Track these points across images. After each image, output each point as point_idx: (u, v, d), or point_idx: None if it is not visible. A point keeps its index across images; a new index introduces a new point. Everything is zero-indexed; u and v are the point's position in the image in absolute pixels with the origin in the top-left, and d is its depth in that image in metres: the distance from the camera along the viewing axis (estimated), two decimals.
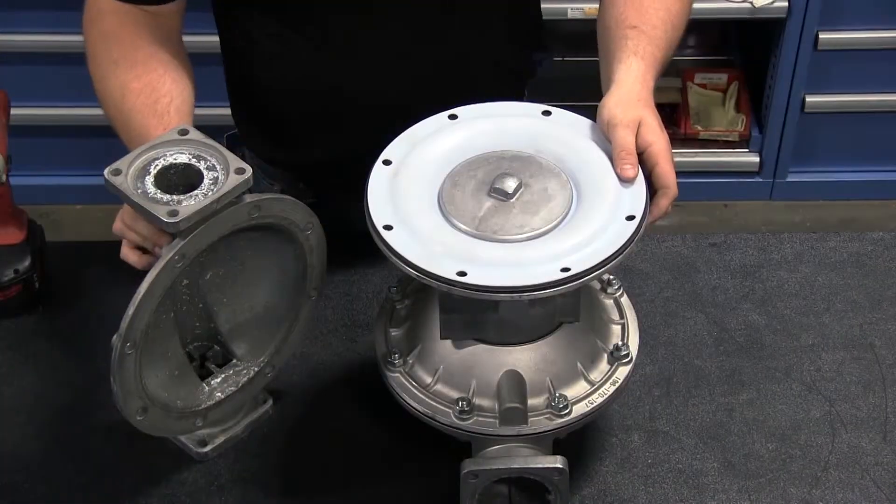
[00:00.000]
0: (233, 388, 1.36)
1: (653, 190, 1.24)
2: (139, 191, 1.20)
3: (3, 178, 1.51)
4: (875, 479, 1.37)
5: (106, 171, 1.21)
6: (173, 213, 1.17)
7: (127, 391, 1.23)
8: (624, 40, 1.33)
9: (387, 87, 1.51)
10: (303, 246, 1.31)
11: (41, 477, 1.39)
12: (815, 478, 1.38)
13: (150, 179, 1.21)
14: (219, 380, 1.35)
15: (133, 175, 1.21)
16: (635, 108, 1.26)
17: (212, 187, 1.20)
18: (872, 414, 1.44)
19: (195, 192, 1.20)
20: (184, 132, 1.24)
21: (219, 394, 1.35)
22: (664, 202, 1.25)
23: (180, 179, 1.22)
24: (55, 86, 2.54)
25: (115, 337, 1.20)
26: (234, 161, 1.21)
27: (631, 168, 1.23)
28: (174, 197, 1.19)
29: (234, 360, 1.37)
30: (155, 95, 1.36)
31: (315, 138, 1.61)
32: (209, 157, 1.22)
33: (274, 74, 1.55)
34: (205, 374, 1.36)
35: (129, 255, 1.34)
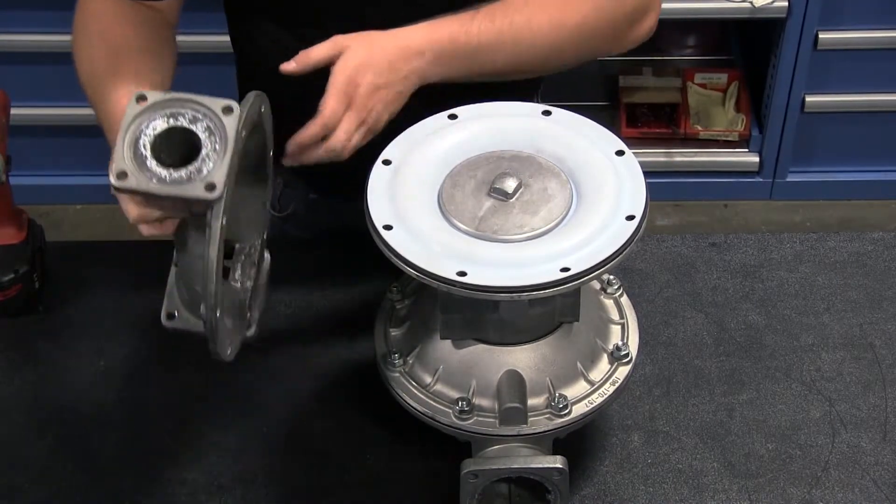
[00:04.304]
0: (254, 268, 1.27)
1: None
2: (154, 180, 1.10)
3: (3, 178, 1.51)
4: (875, 479, 1.37)
5: (113, 180, 1.12)
6: (211, 187, 1.09)
7: (222, 341, 1.17)
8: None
9: None
10: (263, 127, 1.23)
11: (41, 477, 1.39)
12: (815, 478, 1.38)
13: (153, 164, 1.11)
14: (238, 271, 1.27)
15: (134, 168, 1.11)
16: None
17: (213, 139, 1.11)
18: (872, 414, 1.44)
19: (203, 151, 1.11)
20: (141, 98, 1.12)
21: (248, 282, 1.27)
22: None
23: (175, 145, 1.13)
24: (55, 86, 2.54)
25: (203, 311, 1.14)
26: (214, 102, 1.12)
27: None
28: (190, 168, 1.10)
29: (236, 246, 1.27)
30: (118, 59, 1.34)
31: None
32: (185, 111, 1.12)
33: (277, 78, 1.55)
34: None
35: (152, 230, 1.28)
